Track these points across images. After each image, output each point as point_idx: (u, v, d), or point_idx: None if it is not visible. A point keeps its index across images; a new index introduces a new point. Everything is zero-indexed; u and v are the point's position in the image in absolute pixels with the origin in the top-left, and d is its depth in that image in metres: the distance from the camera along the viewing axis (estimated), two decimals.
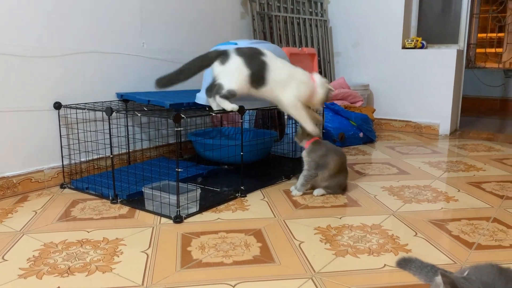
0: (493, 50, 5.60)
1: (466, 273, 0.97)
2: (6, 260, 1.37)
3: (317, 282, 1.24)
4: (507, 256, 1.41)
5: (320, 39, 3.93)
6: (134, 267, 1.33)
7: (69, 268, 1.31)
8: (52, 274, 1.28)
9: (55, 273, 1.28)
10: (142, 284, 1.23)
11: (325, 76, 3.96)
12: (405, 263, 1.28)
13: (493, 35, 5.57)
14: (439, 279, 0.93)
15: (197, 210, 1.78)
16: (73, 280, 1.25)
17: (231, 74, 1.84)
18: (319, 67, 3.90)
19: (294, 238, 1.55)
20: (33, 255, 1.39)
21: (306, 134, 2.01)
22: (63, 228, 1.63)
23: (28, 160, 2.05)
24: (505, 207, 1.88)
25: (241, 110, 1.96)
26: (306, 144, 2.02)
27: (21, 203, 1.90)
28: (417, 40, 3.71)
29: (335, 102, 3.36)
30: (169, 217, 1.71)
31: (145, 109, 2.06)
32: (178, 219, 1.68)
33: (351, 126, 3.17)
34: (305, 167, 2.01)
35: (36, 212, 1.78)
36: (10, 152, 1.98)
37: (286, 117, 2.92)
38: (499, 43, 5.57)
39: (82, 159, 2.24)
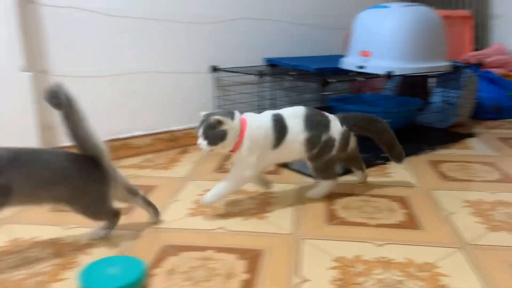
0: None
1: None
2: (178, 201, 1.61)
3: (468, 252, 1.20)
4: None
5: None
6: (283, 217, 1.45)
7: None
8: (210, 215, 1.47)
9: (214, 215, 1.47)
10: (291, 233, 1.34)
11: (478, 42, 3.60)
12: None
13: None
14: None
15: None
16: (230, 222, 1.41)
17: None
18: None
19: (440, 208, 1.51)
20: (196, 199, 1.60)
21: None
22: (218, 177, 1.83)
23: (189, 117, 2.29)
24: None
25: (389, 75, 1.93)
26: None
27: (183, 155, 2.16)
28: None
29: (491, 70, 3.06)
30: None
31: (292, 73, 2.14)
32: None
33: (508, 97, 2.87)
34: None
35: (195, 163, 2.03)
36: (175, 110, 2.26)
37: (429, 85, 2.76)
38: None
39: None
